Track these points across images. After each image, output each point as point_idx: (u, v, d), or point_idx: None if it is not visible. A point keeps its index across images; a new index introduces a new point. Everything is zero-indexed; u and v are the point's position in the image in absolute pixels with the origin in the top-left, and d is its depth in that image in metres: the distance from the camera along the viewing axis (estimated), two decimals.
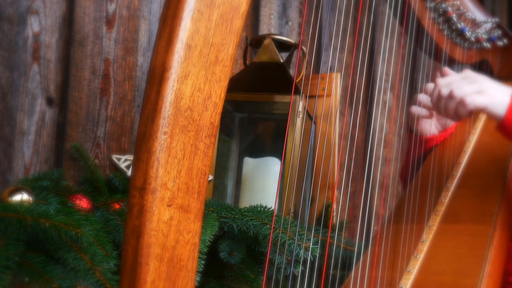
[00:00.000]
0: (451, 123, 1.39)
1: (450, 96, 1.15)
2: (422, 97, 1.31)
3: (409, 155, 1.40)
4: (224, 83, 0.73)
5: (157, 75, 0.68)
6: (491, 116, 1.16)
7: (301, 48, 1.81)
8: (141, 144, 0.67)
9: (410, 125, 1.39)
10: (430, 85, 1.29)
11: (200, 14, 0.70)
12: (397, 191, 1.70)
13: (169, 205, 0.67)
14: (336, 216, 1.51)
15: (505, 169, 1.24)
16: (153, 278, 0.66)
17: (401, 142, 1.82)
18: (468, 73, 1.18)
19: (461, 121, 1.42)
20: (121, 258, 0.68)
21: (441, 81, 1.18)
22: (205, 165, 0.71)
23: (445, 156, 1.35)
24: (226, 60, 0.73)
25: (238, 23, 0.74)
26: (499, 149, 1.31)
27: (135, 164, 0.67)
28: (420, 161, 1.37)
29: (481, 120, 1.43)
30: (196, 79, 0.70)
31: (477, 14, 1.39)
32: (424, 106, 1.31)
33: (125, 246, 0.67)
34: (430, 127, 1.36)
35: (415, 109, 1.33)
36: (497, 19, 1.44)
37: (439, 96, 1.17)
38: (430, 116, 1.34)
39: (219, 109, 0.72)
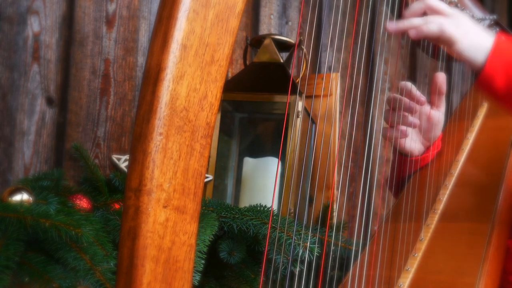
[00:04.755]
0: (436, 135, 1.34)
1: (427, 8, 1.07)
2: (388, 116, 1.25)
3: (398, 173, 1.36)
4: (220, 83, 0.73)
5: (152, 76, 0.68)
6: (465, 61, 1.06)
7: (301, 48, 1.81)
8: (136, 145, 0.67)
9: (393, 146, 1.33)
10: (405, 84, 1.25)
11: (196, 14, 0.70)
12: None
13: (165, 206, 0.67)
14: (335, 216, 1.51)
15: (503, 167, 1.23)
16: (149, 280, 0.66)
17: None
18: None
19: (459, 120, 1.41)
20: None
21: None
22: (201, 165, 0.71)
23: (443, 154, 1.35)
24: (222, 60, 0.73)
25: (234, 22, 0.74)
26: (497, 147, 1.30)
27: (131, 165, 0.67)
28: (410, 177, 1.34)
29: (479, 118, 1.43)
30: (191, 79, 0.70)
31: (475, 11, 1.39)
32: (400, 123, 1.25)
33: (120, 247, 0.67)
34: (416, 144, 1.31)
35: (390, 133, 1.26)
36: (495, 16, 1.43)
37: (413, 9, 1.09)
38: (406, 135, 1.27)
39: (215, 109, 0.72)
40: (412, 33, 1.05)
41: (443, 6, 1.08)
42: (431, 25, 1.05)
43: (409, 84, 1.25)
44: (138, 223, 0.66)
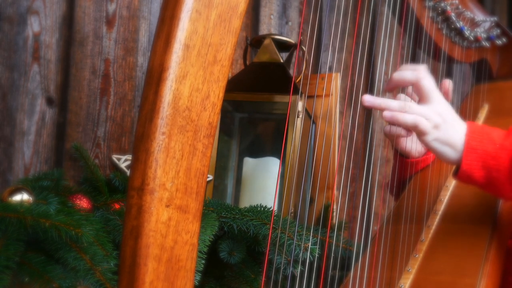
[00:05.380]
0: None
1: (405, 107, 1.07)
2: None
3: (399, 175, 1.36)
4: (223, 83, 0.73)
5: (155, 76, 0.68)
6: (433, 152, 1.09)
7: (301, 48, 1.81)
8: (139, 145, 0.67)
9: (394, 147, 1.33)
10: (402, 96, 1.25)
11: (198, 14, 0.70)
12: None
13: (167, 206, 0.67)
14: (336, 217, 1.51)
15: None
16: (151, 278, 0.66)
17: None
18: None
19: None
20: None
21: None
22: (203, 165, 0.71)
23: None
24: (224, 60, 0.73)
25: (236, 22, 0.74)
26: None
27: (133, 164, 0.67)
28: (410, 179, 1.34)
29: (480, 120, 1.43)
30: (194, 79, 0.70)
31: (476, 13, 1.39)
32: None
33: (123, 246, 0.67)
34: (417, 146, 1.30)
35: (392, 130, 1.22)
36: (495, 18, 1.44)
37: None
38: (409, 134, 1.29)
39: (218, 109, 0.72)
40: (387, 116, 1.07)
41: (431, 90, 1.09)
42: (407, 117, 1.06)
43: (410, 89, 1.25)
44: (140, 222, 0.66)
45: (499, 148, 1.04)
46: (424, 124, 1.06)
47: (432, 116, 1.06)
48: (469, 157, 1.05)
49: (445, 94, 1.23)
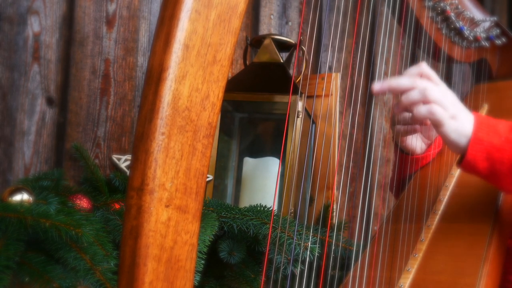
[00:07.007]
0: (437, 134, 1.36)
1: (423, 94, 1.08)
2: (405, 115, 1.25)
3: (399, 172, 1.36)
4: (222, 83, 0.73)
5: (154, 76, 0.68)
6: (449, 143, 1.09)
7: (301, 48, 1.81)
8: (139, 145, 0.67)
9: (395, 141, 1.34)
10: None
11: (198, 14, 0.70)
12: None
13: (167, 206, 0.67)
14: (336, 216, 1.51)
15: None
16: (151, 278, 0.66)
17: None
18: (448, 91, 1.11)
19: None
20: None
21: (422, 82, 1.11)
22: (203, 165, 0.71)
23: (444, 155, 1.35)
24: (224, 60, 0.73)
25: (236, 23, 0.74)
26: None
27: (133, 164, 0.67)
28: (411, 177, 1.34)
29: None
30: (194, 79, 0.70)
31: (475, 13, 1.39)
32: (406, 123, 1.25)
33: (123, 246, 0.67)
34: (417, 141, 1.31)
35: (400, 128, 1.26)
36: (495, 18, 1.44)
37: (412, 87, 1.10)
38: (415, 131, 1.28)
39: (217, 109, 0.72)
40: (403, 103, 1.11)
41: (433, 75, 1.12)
42: (421, 109, 1.08)
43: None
44: (140, 222, 0.66)
45: (505, 141, 1.05)
46: (439, 112, 1.06)
47: (449, 105, 1.07)
48: (474, 147, 1.06)
49: None
